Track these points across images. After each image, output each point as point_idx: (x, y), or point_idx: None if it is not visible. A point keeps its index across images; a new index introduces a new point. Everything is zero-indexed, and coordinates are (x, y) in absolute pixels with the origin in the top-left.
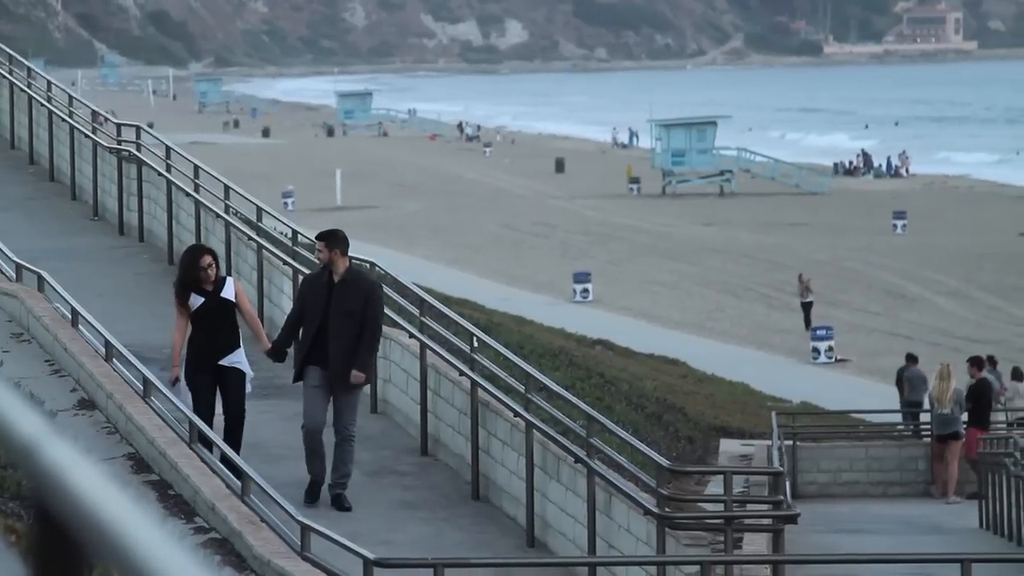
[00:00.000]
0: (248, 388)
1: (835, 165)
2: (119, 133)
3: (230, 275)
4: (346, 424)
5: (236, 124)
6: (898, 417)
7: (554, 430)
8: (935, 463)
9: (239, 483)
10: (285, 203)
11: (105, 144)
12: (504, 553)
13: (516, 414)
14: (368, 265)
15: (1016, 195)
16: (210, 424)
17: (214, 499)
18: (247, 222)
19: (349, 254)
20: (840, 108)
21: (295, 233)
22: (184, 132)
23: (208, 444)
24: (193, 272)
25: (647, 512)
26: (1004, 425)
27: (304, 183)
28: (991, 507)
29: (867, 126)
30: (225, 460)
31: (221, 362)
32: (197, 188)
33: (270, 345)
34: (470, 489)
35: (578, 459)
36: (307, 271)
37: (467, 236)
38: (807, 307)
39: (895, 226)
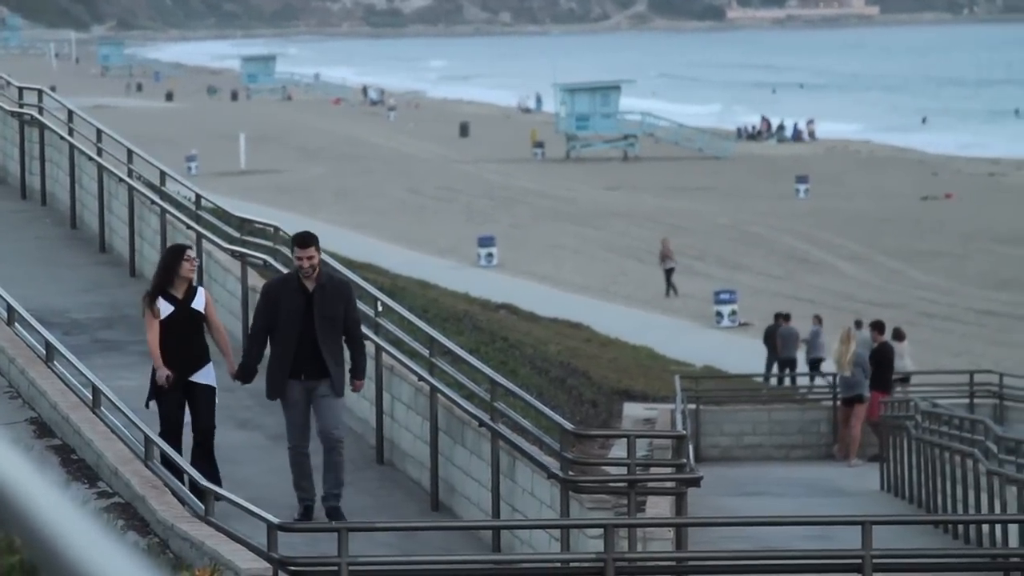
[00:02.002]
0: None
1: (738, 130)
2: (21, 97)
3: (201, 285)
4: (333, 429)
5: (139, 88)
6: (802, 380)
7: (458, 394)
8: (840, 426)
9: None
10: (189, 167)
11: (7, 108)
12: (408, 517)
13: (420, 378)
14: (272, 229)
15: (917, 159)
16: (179, 443)
17: (117, 463)
18: (150, 186)
19: (256, 220)
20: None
21: (199, 197)
22: (87, 96)
23: (173, 467)
24: (174, 268)
25: (551, 476)
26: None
27: (208, 147)
28: (892, 470)
29: (774, 91)
30: (193, 487)
31: (191, 378)
32: (100, 152)
33: (236, 367)
34: (374, 453)
35: (482, 423)
36: (211, 235)
37: (371, 200)
38: (668, 273)
39: (798, 190)
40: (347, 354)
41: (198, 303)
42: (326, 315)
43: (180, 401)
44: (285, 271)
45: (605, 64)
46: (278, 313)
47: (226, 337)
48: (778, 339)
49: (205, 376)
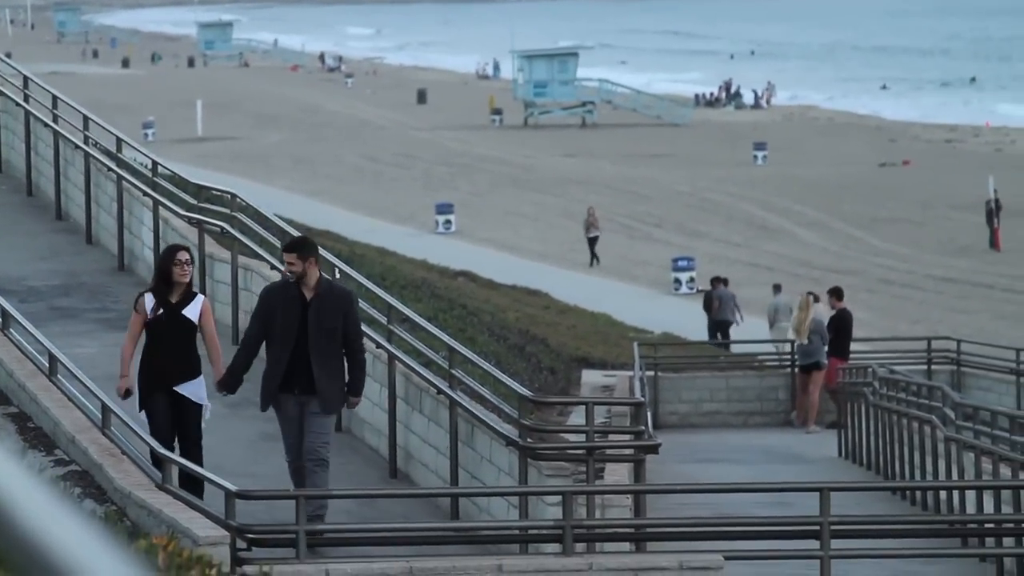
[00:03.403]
0: (206, 415)
1: (696, 96)
2: None
3: (203, 294)
4: (319, 447)
5: (95, 55)
6: (760, 347)
7: (416, 361)
8: (798, 393)
9: (100, 416)
10: (145, 134)
11: None
12: (367, 484)
13: (378, 345)
14: (229, 196)
15: (875, 126)
16: (169, 449)
17: (74, 431)
18: (107, 153)
19: (213, 187)
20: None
21: (155, 164)
22: (42, 62)
23: (161, 465)
24: (166, 271)
25: (509, 443)
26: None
27: (165, 114)
28: (850, 436)
29: (732, 56)
30: (186, 483)
31: (178, 389)
32: (56, 119)
33: (223, 374)
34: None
35: (440, 390)
36: (168, 204)
37: (329, 167)
38: (592, 241)
39: (756, 157)
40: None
41: (191, 311)
42: (323, 326)
43: (164, 410)
44: (242, 238)
45: (552, 31)
46: (274, 320)
47: (218, 349)
48: (714, 301)
49: (192, 390)
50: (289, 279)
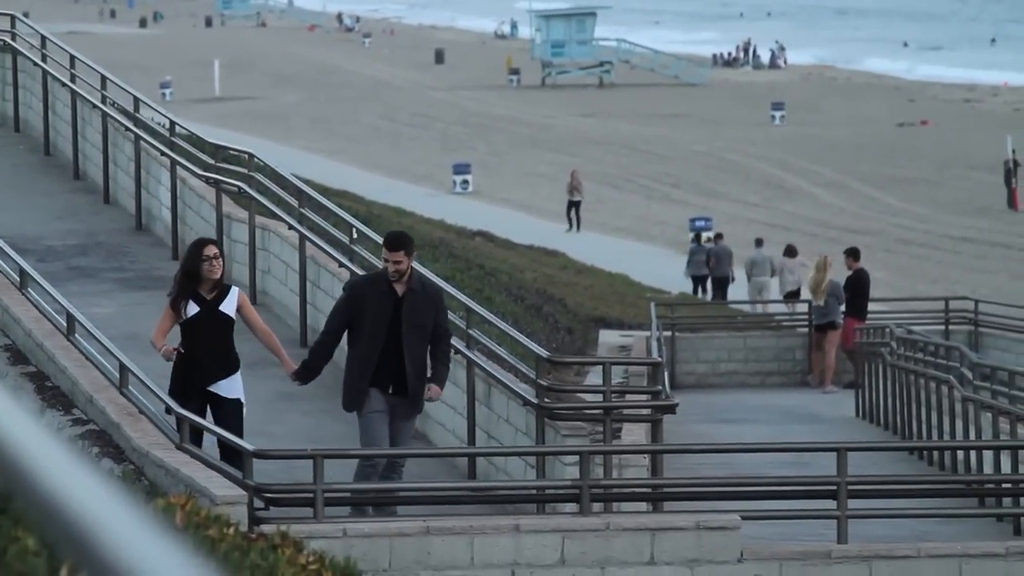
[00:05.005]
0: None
1: (714, 56)
2: None
3: (234, 285)
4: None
5: (112, 14)
6: (777, 307)
7: None
8: (813, 353)
9: (117, 376)
10: (163, 94)
11: None
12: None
13: None
14: (246, 156)
15: (893, 86)
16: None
17: (92, 391)
18: (124, 113)
19: (230, 147)
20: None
21: (173, 124)
22: (60, 22)
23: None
24: (194, 265)
25: (526, 403)
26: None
27: (182, 74)
28: (867, 396)
29: (742, 15)
30: (227, 454)
31: (213, 389)
32: (73, 79)
33: (299, 368)
34: None
35: (457, 350)
36: (186, 163)
37: (346, 127)
38: (575, 205)
39: (773, 117)
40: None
41: (227, 306)
42: (415, 323)
43: (200, 412)
44: (259, 198)
45: None
46: (363, 315)
47: (274, 337)
48: (711, 258)
49: (231, 388)
50: (392, 278)
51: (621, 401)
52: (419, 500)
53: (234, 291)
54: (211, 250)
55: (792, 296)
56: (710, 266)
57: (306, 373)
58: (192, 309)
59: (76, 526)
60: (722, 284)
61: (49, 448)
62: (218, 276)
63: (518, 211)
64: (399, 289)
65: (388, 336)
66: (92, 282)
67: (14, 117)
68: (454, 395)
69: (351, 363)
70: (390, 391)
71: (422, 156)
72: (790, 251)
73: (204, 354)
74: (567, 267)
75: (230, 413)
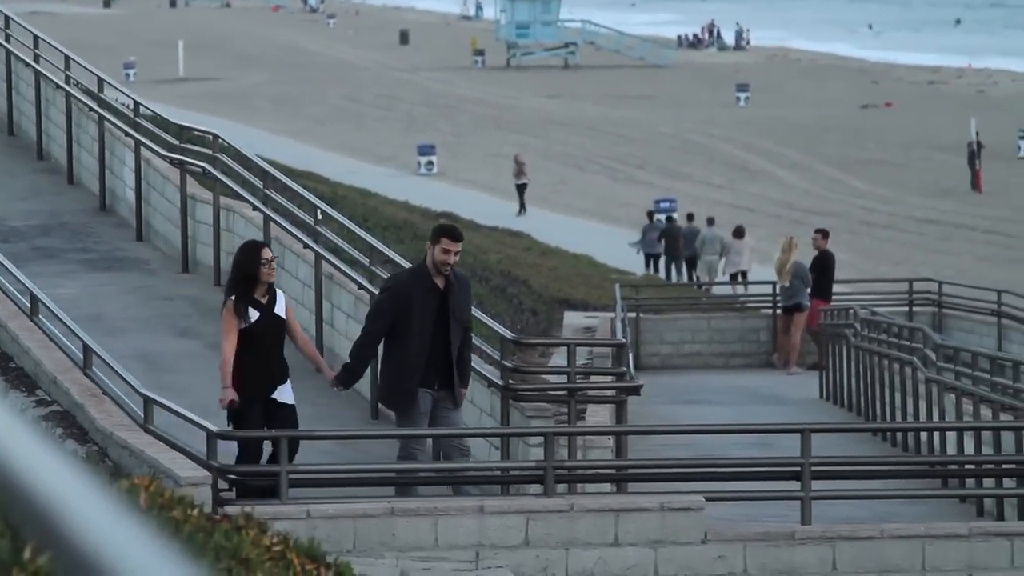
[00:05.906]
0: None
1: (679, 37)
2: None
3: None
4: (461, 444)
5: None
6: (741, 288)
7: None
8: (779, 334)
9: (81, 356)
10: (127, 74)
11: None
12: (348, 425)
13: (360, 286)
14: (211, 136)
15: (857, 68)
16: (258, 460)
17: (56, 372)
18: (88, 93)
19: (194, 127)
20: None
21: (137, 104)
22: (22, 1)
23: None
24: (253, 269)
25: (491, 384)
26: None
27: (146, 54)
28: (831, 378)
29: None
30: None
31: (274, 395)
32: (37, 59)
33: (340, 372)
34: None
35: None
36: (150, 144)
37: (311, 108)
38: (521, 189)
39: (738, 99)
40: None
41: (280, 308)
42: (458, 316)
43: (258, 423)
44: (223, 179)
45: None
46: (410, 313)
47: (312, 344)
48: (681, 238)
49: (287, 393)
50: (444, 271)
51: (586, 383)
52: (384, 481)
53: (281, 294)
54: (268, 253)
55: (737, 277)
56: (680, 246)
57: (349, 377)
58: (253, 315)
59: (39, 507)
60: (693, 264)
61: (12, 429)
62: (272, 279)
63: (482, 192)
64: (440, 283)
65: (434, 332)
66: (56, 263)
67: None
68: None
69: (395, 362)
70: (435, 387)
71: (386, 137)
72: (738, 232)
73: (265, 361)
74: (531, 248)
75: (289, 419)
